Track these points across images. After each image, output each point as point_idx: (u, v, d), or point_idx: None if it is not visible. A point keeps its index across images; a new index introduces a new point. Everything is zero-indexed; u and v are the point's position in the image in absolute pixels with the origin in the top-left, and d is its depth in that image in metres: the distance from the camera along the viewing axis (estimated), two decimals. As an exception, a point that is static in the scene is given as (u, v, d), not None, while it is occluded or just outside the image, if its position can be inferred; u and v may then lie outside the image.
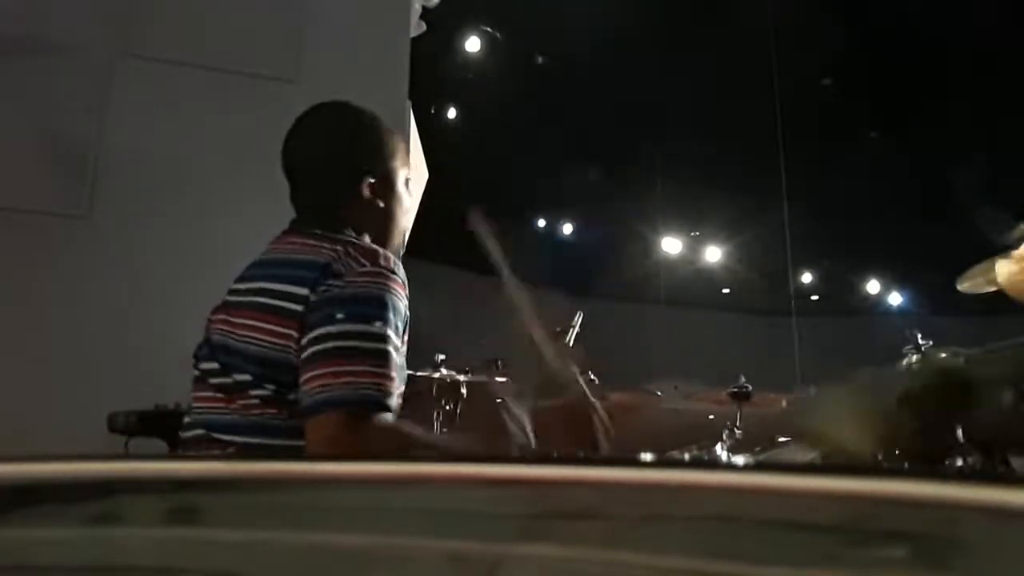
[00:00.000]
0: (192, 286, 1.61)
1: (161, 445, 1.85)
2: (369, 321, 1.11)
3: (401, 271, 1.19)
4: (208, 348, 1.24)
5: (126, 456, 0.43)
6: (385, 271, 1.16)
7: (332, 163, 1.34)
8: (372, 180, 1.33)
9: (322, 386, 1.07)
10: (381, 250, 1.20)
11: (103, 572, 0.37)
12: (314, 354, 1.09)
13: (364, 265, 1.15)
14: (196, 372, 1.25)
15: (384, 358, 1.10)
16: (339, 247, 1.18)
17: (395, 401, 1.11)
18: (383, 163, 1.36)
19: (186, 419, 1.25)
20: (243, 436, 1.15)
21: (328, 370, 1.07)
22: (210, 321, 1.27)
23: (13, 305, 2.22)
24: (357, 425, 1.06)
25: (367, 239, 1.31)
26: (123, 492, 0.38)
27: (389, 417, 1.10)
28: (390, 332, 1.12)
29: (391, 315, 1.13)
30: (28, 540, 0.38)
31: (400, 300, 1.16)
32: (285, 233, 1.30)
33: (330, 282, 1.13)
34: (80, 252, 2.32)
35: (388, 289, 1.14)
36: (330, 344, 1.09)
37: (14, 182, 2.32)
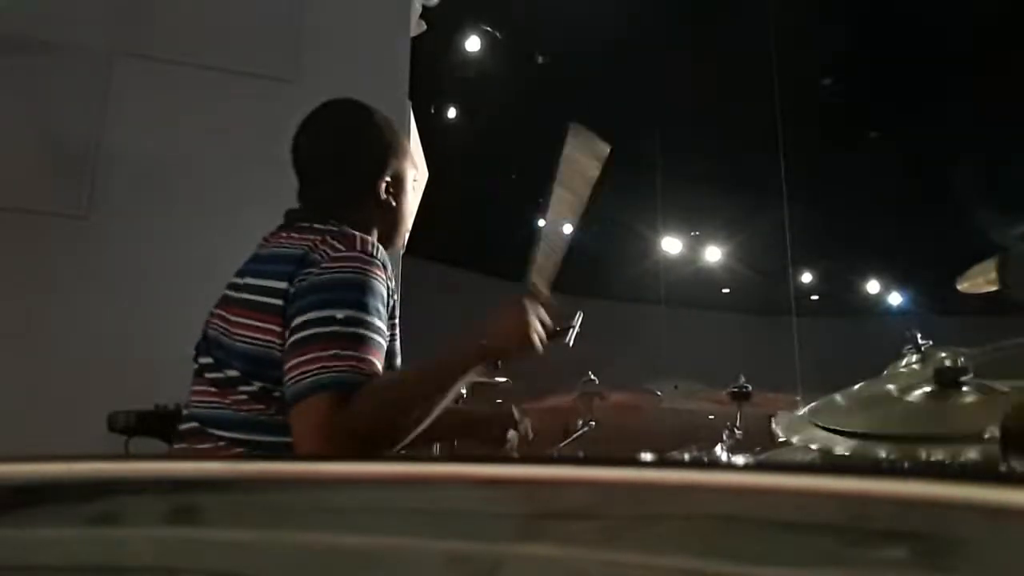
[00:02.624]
0: (192, 286, 1.61)
1: (161, 445, 1.85)
2: (345, 306, 1.10)
3: (382, 254, 1.19)
4: (205, 342, 1.24)
5: (126, 456, 0.43)
6: (362, 255, 1.15)
7: (351, 161, 1.34)
8: (389, 179, 1.35)
9: (301, 373, 1.06)
10: (359, 235, 1.19)
11: (103, 572, 0.37)
12: (293, 343, 1.09)
13: (340, 250, 1.14)
14: (195, 365, 1.25)
15: (362, 341, 1.09)
16: (316, 236, 1.17)
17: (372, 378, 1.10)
18: (397, 162, 1.37)
19: (184, 411, 1.26)
20: (233, 431, 1.15)
21: (306, 357, 1.07)
22: (211, 315, 1.27)
23: (13, 305, 2.22)
24: (339, 406, 1.04)
25: (375, 236, 1.31)
26: (123, 492, 0.38)
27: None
28: (368, 315, 1.11)
29: (369, 298, 1.12)
30: (28, 540, 0.38)
31: (379, 282, 1.15)
32: (280, 227, 1.30)
33: (307, 271, 1.13)
34: (80, 252, 2.32)
35: (365, 272, 1.13)
36: (308, 332, 1.08)
37: (14, 182, 2.31)
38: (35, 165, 2.36)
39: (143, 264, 2.34)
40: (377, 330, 1.12)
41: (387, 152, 1.36)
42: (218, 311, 1.24)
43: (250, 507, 0.38)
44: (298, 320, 1.10)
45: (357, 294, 1.11)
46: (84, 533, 0.37)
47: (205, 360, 1.21)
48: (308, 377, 1.05)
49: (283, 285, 1.13)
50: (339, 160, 1.34)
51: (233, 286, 1.24)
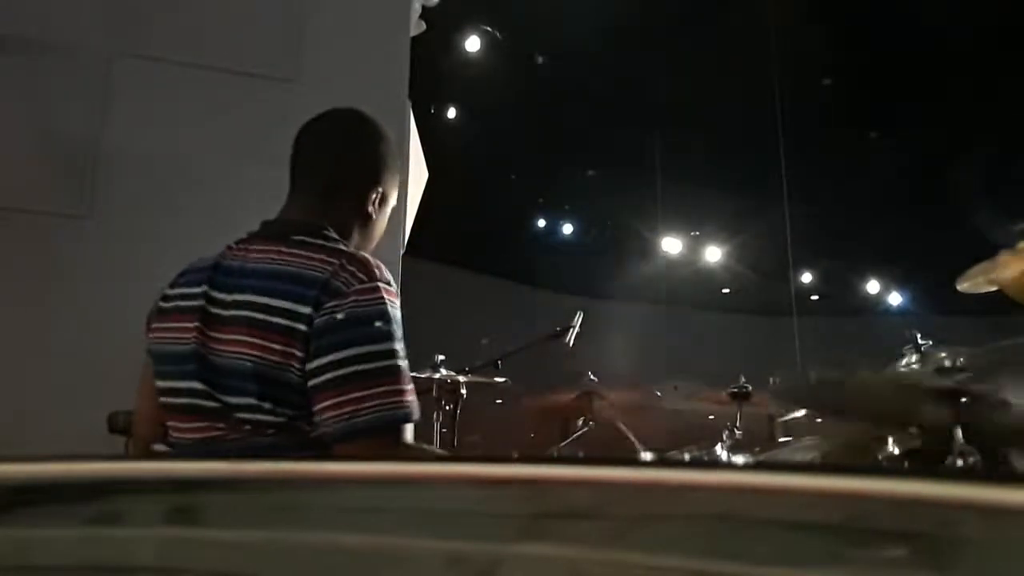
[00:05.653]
0: (192, 286, 1.60)
1: (161, 445, 1.84)
2: (380, 340, 1.13)
3: (391, 277, 1.22)
4: (182, 363, 1.20)
5: (126, 456, 0.43)
6: (381, 283, 1.18)
7: (350, 165, 1.35)
8: (380, 190, 1.36)
9: (352, 412, 1.09)
10: (372, 260, 1.21)
11: (103, 572, 0.37)
12: (334, 379, 1.11)
13: (363, 280, 1.16)
14: (172, 400, 1.23)
15: (400, 373, 1.14)
16: (334, 260, 1.18)
17: (416, 411, 1.15)
18: (388, 180, 1.39)
19: (157, 446, 1.25)
20: None
21: (352, 395, 1.10)
22: (165, 330, 1.25)
23: (13, 305, 2.21)
24: (393, 445, 1.11)
25: (352, 246, 1.32)
26: (123, 492, 0.38)
27: (411, 428, 1.15)
28: (398, 346, 1.15)
29: (396, 327, 1.16)
30: (28, 540, 0.38)
31: (397, 309, 1.19)
32: (266, 239, 1.26)
33: (333, 303, 1.13)
34: (80, 252, 2.32)
35: (388, 302, 1.17)
36: (349, 369, 1.11)
37: (14, 182, 2.31)
38: (35, 165, 2.36)
39: (143, 264, 2.33)
40: (405, 358, 1.17)
41: (384, 166, 1.37)
42: (190, 325, 1.20)
43: (250, 507, 0.38)
44: (333, 356, 1.11)
45: (386, 326, 1.15)
46: (84, 533, 0.37)
47: (190, 385, 1.19)
48: (356, 417, 1.09)
49: (306, 310, 1.13)
50: (339, 162, 1.34)
51: (218, 302, 1.20)
